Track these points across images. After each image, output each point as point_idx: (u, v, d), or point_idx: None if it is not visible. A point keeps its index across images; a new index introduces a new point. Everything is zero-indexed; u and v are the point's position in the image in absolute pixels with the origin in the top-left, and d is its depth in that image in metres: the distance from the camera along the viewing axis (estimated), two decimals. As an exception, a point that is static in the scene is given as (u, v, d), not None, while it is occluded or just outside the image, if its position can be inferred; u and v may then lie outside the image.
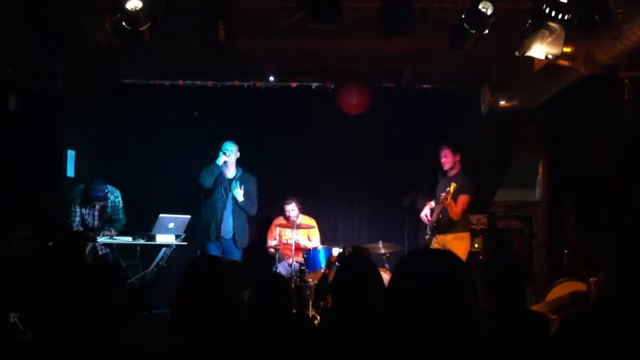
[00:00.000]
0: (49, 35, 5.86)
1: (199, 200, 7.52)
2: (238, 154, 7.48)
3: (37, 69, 6.58)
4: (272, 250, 7.86)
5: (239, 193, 7.43)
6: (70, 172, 7.98)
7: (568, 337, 1.72)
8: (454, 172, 7.34)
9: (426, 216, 7.50)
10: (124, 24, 5.68)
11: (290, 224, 7.80)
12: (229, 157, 7.38)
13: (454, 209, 7.05)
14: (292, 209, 7.97)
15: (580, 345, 1.67)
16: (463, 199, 7.15)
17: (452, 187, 6.92)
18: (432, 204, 7.48)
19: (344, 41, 6.63)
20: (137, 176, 8.39)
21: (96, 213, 7.51)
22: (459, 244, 7.15)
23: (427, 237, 7.47)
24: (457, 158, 7.33)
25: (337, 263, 6.53)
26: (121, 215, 7.64)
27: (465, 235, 7.32)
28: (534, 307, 6.42)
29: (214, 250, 7.39)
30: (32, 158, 6.92)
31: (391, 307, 1.81)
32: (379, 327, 1.84)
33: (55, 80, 6.88)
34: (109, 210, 7.57)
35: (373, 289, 2.83)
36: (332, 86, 8.71)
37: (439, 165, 7.48)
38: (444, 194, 6.99)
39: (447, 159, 7.33)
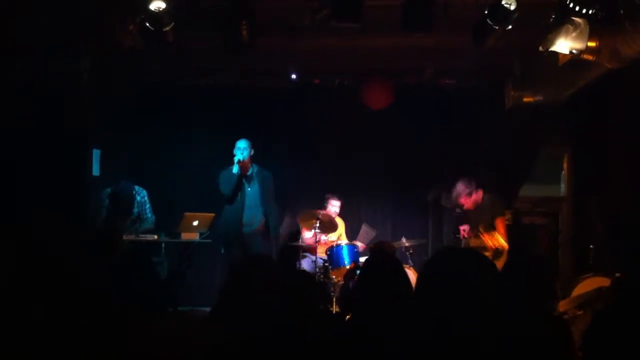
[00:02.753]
0: (73, 35, 5.92)
1: (222, 198, 7.54)
2: (252, 151, 7.44)
3: (63, 69, 6.64)
4: (301, 244, 7.85)
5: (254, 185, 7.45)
6: (96, 171, 8.06)
7: (601, 332, 1.72)
8: (472, 206, 7.16)
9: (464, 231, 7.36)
10: (147, 25, 5.75)
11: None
12: (243, 161, 7.32)
13: (501, 240, 6.95)
14: (335, 205, 8.07)
15: (613, 340, 1.67)
16: (500, 222, 7.04)
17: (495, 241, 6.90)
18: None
19: (366, 39, 6.62)
20: (162, 175, 8.46)
21: (122, 214, 7.59)
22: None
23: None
24: (480, 193, 7.12)
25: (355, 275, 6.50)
26: (149, 215, 7.71)
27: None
28: (560, 303, 6.40)
29: (235, 246, 7.39)
30: (58, 157, 7.00)
31: (418, 307, 1.83)
32: (406, 326, 1.85)
33: (82, 80, 6.95)
34: (135, 210, 7.65)
35: (397, 288, 2.83)
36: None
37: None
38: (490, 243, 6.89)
39: (467, 202, 7.13)
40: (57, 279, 2.76)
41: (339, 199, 8.11)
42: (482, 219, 7.08)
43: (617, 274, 5.83)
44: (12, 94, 6.12)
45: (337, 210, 8.09)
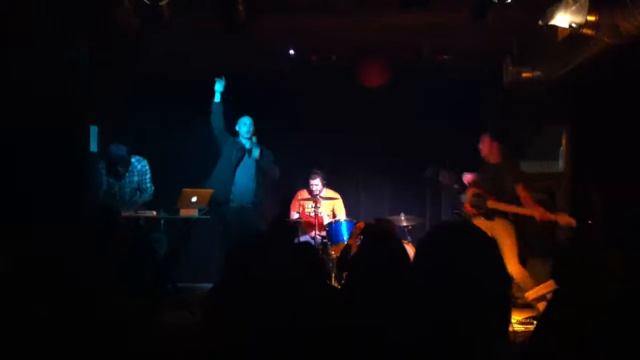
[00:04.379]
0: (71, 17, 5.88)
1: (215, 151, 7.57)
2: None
3: (63, 54, 6.61)
4: (294, 223, 7.91)
5: (256, 151, 7.42)
6: (94, 147, 8.04)
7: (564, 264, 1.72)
8: (493, 159, 6.95)
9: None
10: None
11: (313, 197, 7.86)
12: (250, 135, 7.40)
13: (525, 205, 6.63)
14: (316, 183, 8.02)
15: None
16: (521, 188, 6.64)
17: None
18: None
19: (362, 17, 6.57)
20: (160, 151, 8.43)
21: (123, 182, 7.58)
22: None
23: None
24: (495, 145, 6.91)
25: (361, 236, 6.45)
26: (149, 184, 7.68)
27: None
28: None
29: (232, 217, 7.38)
30: (57, 136, 6.97)
31: (415, 286, 1.80)
32: (405, 305, 1.84)
33: (80, 61, 6.90)
34: (135, 178, 7.62)
35: (398, 263, 2.83)
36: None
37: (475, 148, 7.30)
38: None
39: (484, 146, 6.93)
40: (57, 276, 2.74)
41: (316, 174, 8.08)
42: (500, 182, 6.83)
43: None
44: (9, 85, 6.09)
45: (319, 187, 8.07)
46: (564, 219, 6.19)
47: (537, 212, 6.28)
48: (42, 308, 2.39)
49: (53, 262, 2.64)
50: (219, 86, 7.40)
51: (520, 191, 6.55)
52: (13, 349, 2.29)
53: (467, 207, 7.06)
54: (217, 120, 7.40)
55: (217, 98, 7.39)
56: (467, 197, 7.08)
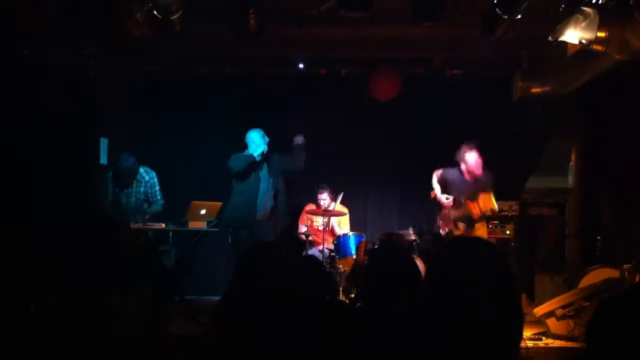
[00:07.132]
0: (81, 22, 5.92)
1: (230, 186, 7.52)
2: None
3: (70, 58, 6.65)
4: (302, 236, 7.89)
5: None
6: (104, 159, 8.07)
7: (602, 323, 1.70)
8: (479, 173, 7.13)
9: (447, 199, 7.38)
10: (155, 13, 5.74)
11: (321, 211, 7.84)
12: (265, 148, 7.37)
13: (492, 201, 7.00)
14: (324, 198, 8.00)
15: (614, 331, 1.65)
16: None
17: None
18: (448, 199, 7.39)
19: (374, 29, 6.58)
20: (169, 163, 8.44)
21: (129, 192, 7.59)
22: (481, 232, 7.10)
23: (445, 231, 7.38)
24: (482, 160, 7.11)
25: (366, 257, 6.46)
26: (158, 197, 7.69)
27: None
28: (567, 295, 6.41)
29: (244, 232, 7.37)
30: (66, 146, 7.00)
31: (430, 300, 1.80)
32: (416, 319, 1.83)
33: (88, 69, 6.94)
34: (141, 189, 7.62)
35: (409, 277, 2.81)
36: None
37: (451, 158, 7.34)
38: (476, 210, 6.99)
39: (476, 163, 7.08)
40: (60, 278, 2.74)
41: (324, 189, 8.08)
42: (472, 192, 7.10)
43: (626, 265, 5.84)
44: (16, 86, 6.12)
45: (327, 201, 8.05)
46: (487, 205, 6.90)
47: (474, 210, 6.99)
48: (42, 308, 2.39)
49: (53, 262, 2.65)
50: (256, 138, 7.33)
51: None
52: (14, 348, 2.30)
53: (442, 226, 7.38)
54: (240, 165, 7.32)
55: (258, 154, 7.32)
56: (441, 216, 7.38)
